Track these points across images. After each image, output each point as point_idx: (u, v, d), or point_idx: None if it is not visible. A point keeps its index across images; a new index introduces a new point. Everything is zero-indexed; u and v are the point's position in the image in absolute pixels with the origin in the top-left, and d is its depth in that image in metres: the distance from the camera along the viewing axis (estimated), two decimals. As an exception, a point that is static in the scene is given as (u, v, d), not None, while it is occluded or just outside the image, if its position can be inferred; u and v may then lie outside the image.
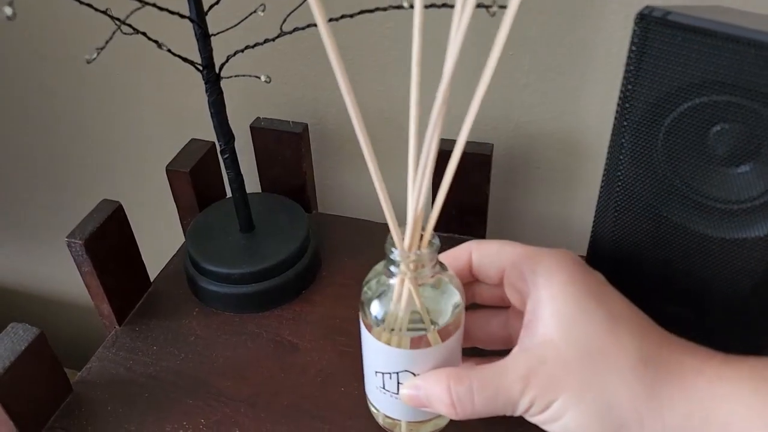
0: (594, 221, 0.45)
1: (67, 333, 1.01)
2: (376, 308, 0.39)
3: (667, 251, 0.42)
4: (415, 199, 0.35)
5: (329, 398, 0.49)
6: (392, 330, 0.39)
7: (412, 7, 0.40)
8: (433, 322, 0.39)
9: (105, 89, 0.73)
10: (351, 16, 0.44)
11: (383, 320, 0.39)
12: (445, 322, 0.39)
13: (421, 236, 0.37)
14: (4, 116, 0.80)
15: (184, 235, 0.66)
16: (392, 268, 0.38)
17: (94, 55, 0.41)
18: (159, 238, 0.73)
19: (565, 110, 0.58)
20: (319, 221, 0.65)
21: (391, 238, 0.37)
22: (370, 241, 0.62)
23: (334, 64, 0.29)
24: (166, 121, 0.73)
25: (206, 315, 0.56)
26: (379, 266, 0.41)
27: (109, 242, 0.53)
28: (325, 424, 0.47)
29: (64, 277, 0.96)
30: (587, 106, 0.57)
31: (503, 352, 0.39)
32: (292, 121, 0.62)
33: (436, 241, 0.37)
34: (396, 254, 0.37)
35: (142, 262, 0.58)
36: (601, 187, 0.44)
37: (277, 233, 0.58)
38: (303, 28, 0.45)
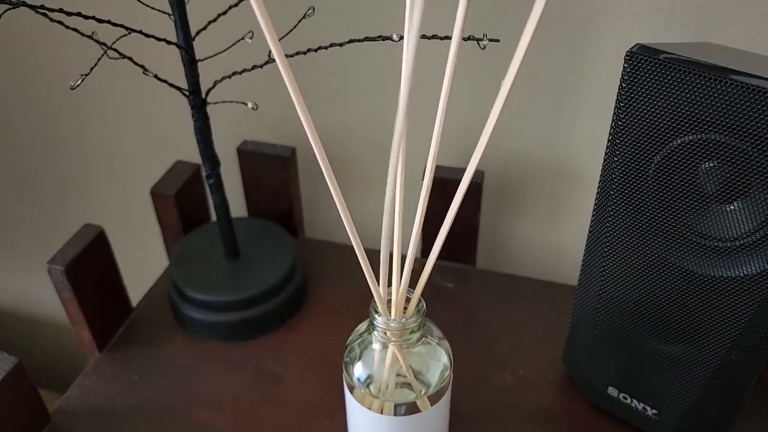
0: (584, 255, 0.45)
1: (49, 353, 0.99)
2: (359, 370, 0.38)
3: (658, 288, 0.42)
4: (398, 277, 0.34)
5: (315, 431, 0.48)
6: (378, 395, 0.38)
7: (401, 38, 0.40)
8: (424, 384, 0.38)
9: (90, 110, 0.72)
10: (340, 44, 0.43)
11: (367, 383, 0.38)
12: (434, 386, 0.38)
13: (408, 299, 0.36)
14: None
15: (168, 257, 0.65)
16: (376, 333, 0.37)
17: (78, 82, 0.40)
18: (141, 260, 0.72)
19: (557, 138, 0.58)
20: (306, 246, 0.65)
21: (375, 302, 0.36)
22: (358, 268, 0.61)
23: (294, 97, 0.29)
24: (151, 142, 0.72)
25: (189, 343, 0.55)
26: (362, 327, 0.40)
27: (90, 268, 0.52)
28: (309, 458, 0.46)
29: (46, 297, 0.95)
30: (578, 134, 0.57)
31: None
32: (281, 145, 0.62)
33: (423, 305, 0.37)
34: (380, 321, 0.36)
35: (124, 287, 0.57)
36: (591, 222, 0.43)
37: (262, 260, 0.57)
38: (291, 56, 0.45)
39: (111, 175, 0.77)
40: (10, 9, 0.34)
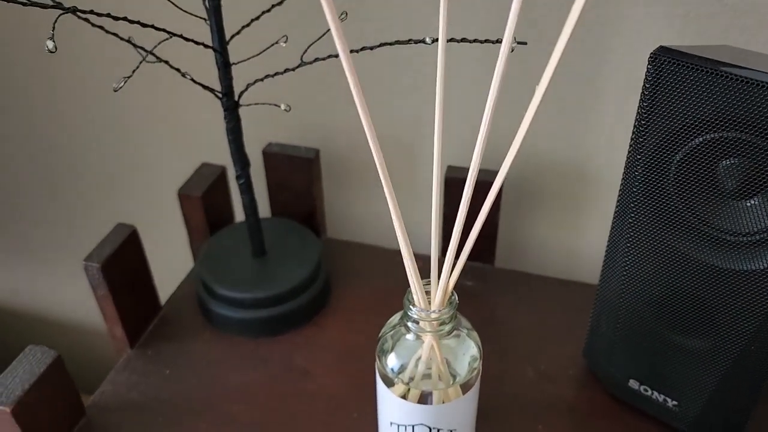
0: (606, 251, 0.46)
1: (78, 356, 1.01)
2: (392, 361, 0.40)
3: (678, 282, 0.43)
4: (447, 271, 0.36)
5: (341, 424, 0.49)
6: (410, 383, 0.39)
7: (435, 41, 0.41)
8: (452, 375, 0.40)
9: (118, 112, 0.73)
10: (371, 48, 0.45)
11: (400, 372, 0.40)
12: (464, 375, 0.40)
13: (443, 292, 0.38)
14: (20, 139, 0.80)
15: (194, 258, 0.67)
16: (410, 324, 0.38)
17: (122, 84, 0.42)
18: (168, 260, 0.74)
19: (574, 139, 0.60)
20: (329, 247, 0.66)
21: (410, 293, 0.37)
22: (380, 268, 0.63)
23: (357, 99, 0.30)
24: (177, 144, 0.74)
25: (218, 339, 0.56)
26: (395, 319, 0.41)
27: (123, 266, 0.53)
28: (339, 449, 0.47)
29: (76, 299, 0.96)
30: (596, 136, 0.59)
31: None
32: (305, 147, 0.63)
33: (455, 297, 0.38)
34: (415, 312, 0.37)
35: (154, 285, 0.58)
36: (614, 218, 0.45)
37: (288, 258, 0.59)
38: (324, 59, 0.47)
39: (137, 176, 0.78)
40: (63, 14, 0.36)
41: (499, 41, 0.41)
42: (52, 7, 0.36)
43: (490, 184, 0.57)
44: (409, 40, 0.42)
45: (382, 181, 0.32)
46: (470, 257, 0.63)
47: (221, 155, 0.65)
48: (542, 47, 0.56)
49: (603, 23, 0.53)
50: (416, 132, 0.63)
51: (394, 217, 0.35)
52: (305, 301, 0.56)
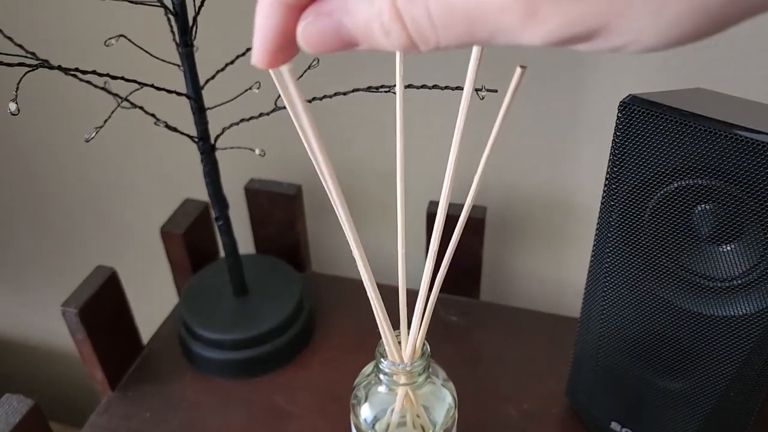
0: (584, 294, 0.46)
1: (64, 387, 1.00)
2: (366, 412, 0.39)
3: (657, 325, 0.43)
4: (417, 325, 0.36)
5: (322, 469, 0.49)
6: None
7: (390, 88, 0.41)
8: (430, 424, 0.39)
9: (97, 151, 0.73)
10: (344, 93, 0.45)
11: (374, 423, 0.39)
12: (439, 425, 0.39)
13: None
14: (3, 174, 0.80)
15: (177, 294, 0.66)
16: (382, 377, 0.38)
17: (93, 135, 0.42)
18: (151, 297, 0.73)
19: (557, 172, 0.59)
20: (313, 281, 0.66)
21: (382, 344, 0.37)
22: (365, 303, 0.62)
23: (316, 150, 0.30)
24: (159, 181, 0.74)
25: (199, 380, 0.56)
26: (368, 369, 0.41)
27: (103, 309, 0.53)
28: (318, 496, 0.47)
29: (62, 332, 0.96)
30: (579, 169, 0.59)
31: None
32: (286, 183, 0.63)
33: (427, 348, 0.38)
34: (387, 365, 0.37)
35: (135, 326, 0.58)
36: (590, 262, 0.44)
37: (270, 297, 0.58)
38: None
39: (120, 212, 0.78)
40: (31, 71, 0.36)
41: (459, 88, 0.41)
42: (18, 65, 0.36)
43: (480, 220, 0.57)
44: (381, 86, 0.42)
45: (344, 222, 0.31)
46: (454, 291, 0.63)
47: (205, 190, 0.65)
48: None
49: (582, 60, 0.53)
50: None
51: (361, 268, 0.35)
52: (287, 341, 0.56)
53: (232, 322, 0.56)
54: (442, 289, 0.65)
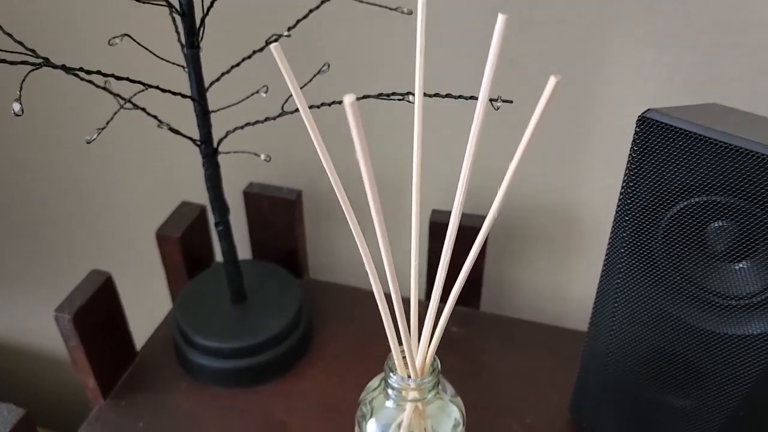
0: (593, 309, 0.45)
1: (56, 393, 0.98)
2: (372, 427, 0.38)
3: (667, 343, 0.42)
4: (427, 339, 0.35)
5: (321, 482, 0.48)
6: None
7: (403, 96, 0.40)
8: None
9: (94, 152, 0.72)
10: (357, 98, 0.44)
11: None
12: None
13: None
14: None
15: (172, 299, 0.65)
16: (390, 392, 0.37)
17: (94, 136, 0.41)
18: (145, 301, 0.72)
19: (563, 183, 0.59)
20: (312, 288, 0.65)
21: (392, 359, 0.36)
22: (364, 311, 0.62)
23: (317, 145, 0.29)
24: (155, 182, 0.72)
25: (194, 389, 0.55)
26: (374, 383, 0.40)
27: (97, 315, 0.51)
28: None
29: (54, 336, 0.94)
30: (584, 180, 0.58)
31: None
32: (287, 188, 0.62)
33: (437, 363, 0.37)
34: (396, 380, 0.36)
35: (129, 332, 0.56)
36: (601, 277, 0.44)
37: (268, 305, 0.57)
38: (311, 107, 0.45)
39: (114, 214, 0.77)
40: (34, 69, 0.35)
41: (474, 98, 0.40)
42: (21, 63, 0.35)
43: (477, 229, 0.56)
44: (392, 94, 0.41)
45: (352, 229, 0.30)
46: (456, 302, 0.62)
47: (202, 193, 0.64)
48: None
49: (594, 69, 0.53)
50: (404, 174, 0.62)
51: (372, 283, 0.34)
52: (285, 350, 0.55)
53: (230, 330, 0.55)
54: (442, 299, 0.65)
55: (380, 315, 0.35)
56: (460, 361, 0.57)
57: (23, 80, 0.34)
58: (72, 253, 0.82)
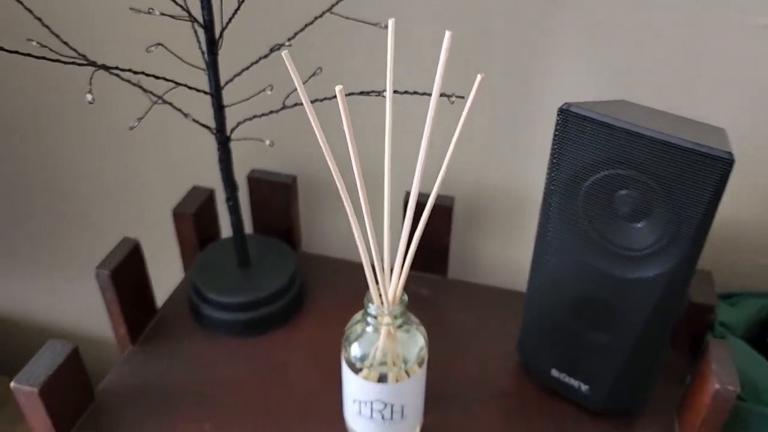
0: (531, 265, 0.57)
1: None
2: (356, 349, 0.50)
3: (587, 287, 0.54)
4: (396, 279, 0.46)
5: (316, 407, 0.59)
6: (369, 367, 0.49)
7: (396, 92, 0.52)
8: (403, 361, 0.49)
9: (120, 141, 0.82)
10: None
11: (362, 359, 0.49)
12: (412, 361, 0.50)
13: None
14: (28, 162, 0.89)
15: (184, 270, 0.76)
16: (369, 320, 0.48)
17: (136, 124, 0.52)
18: (158, 272, 0.82)
19: (518, 169, 0.70)
20: (305, 260, 0.76)
21: (370, 294, 0.47)
22: (349, 279, 0.73)
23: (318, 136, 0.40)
24: (168, 168, 0.83)
25: (207, 338, 0.65)
26: (357, 316, 0.51)
27: (128, 274, 0.62)
28: (311, 429, 0.57)
29: (72, 313, 1.03)
30: (536, 166, 0.70)
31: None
32: (284, 173, 0.73)
33: (405, 297, 0.48)
34: (373, 309, 0.47)
35: (152, 290, 0.67)
36: (536, 237, 0.55)
37: (269, 269, 0.68)
38: (301, 104, 0.56)
39: (131, 196, 0.87)
40: (96, 70, 0.46)
41: (443, 95, 0.51)
42: (86, 64, 0.46)
43: (449, 208, 0.67)
44: (371, 91, 0.52)
45: (346, 206, 0.41)
46: (425, 269, 0.74)
47: (209, 179, 0.74)
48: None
49: (535, 72, 0.64)
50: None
51: (354, 229, 0.45)
52: (283, 305, 0.66)
53: (237, 288, 0.65)
54: (415, 267, 0.76)
55: (361, 282, 0.46)
56: (429, 317, 0.68)
57: (90, 78, 0.45)
58: (92, 229, 0.92)
